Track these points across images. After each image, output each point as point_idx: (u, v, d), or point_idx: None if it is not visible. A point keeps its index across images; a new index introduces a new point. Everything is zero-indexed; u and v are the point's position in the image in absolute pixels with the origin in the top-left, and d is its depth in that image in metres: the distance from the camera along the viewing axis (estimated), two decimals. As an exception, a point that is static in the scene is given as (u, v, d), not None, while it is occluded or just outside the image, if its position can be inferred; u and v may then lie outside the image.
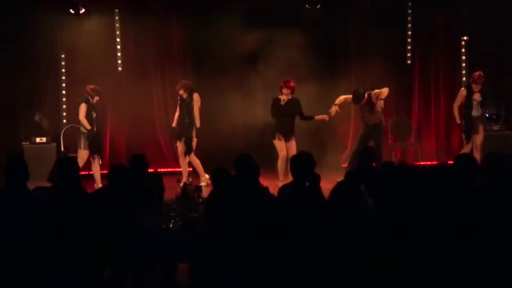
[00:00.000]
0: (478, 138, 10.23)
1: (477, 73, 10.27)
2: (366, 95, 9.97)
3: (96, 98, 9.96)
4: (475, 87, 10.20)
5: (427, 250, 3.72)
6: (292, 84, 9.90)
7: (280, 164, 9.81)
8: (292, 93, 9.89)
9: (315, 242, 4.11)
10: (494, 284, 3.70)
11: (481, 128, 10.29)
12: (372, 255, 3.83)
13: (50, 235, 4.76)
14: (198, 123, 10.07)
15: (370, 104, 9.97)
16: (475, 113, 10.27)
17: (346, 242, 4.02)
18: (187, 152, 10.05)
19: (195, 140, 10.10)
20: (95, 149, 9.99)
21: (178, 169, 10.52)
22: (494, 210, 3.98)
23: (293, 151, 9.70)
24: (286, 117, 9.85)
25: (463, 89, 10.41)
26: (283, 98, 9.84)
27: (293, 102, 9.89)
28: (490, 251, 3.76)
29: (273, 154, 9.94)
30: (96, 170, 9.98)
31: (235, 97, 11.37)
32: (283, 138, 9.86)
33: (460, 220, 3.89)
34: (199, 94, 10.24)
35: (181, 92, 10.12)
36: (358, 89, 10.09)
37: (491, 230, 3.84)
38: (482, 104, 10.30)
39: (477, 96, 10.20)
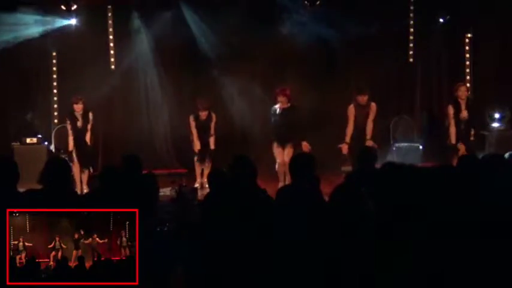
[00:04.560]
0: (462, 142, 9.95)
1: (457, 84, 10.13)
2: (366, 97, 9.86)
3: (76, 107, 9.99)
4: (461, 102, 9.93)
5: (428, 251, 3.74)
6: (288, 92, 9.78)
7: (279, 168, 9.81)
8: (288, 101, 9.78)
9: (314, 244, 4.12)
10: (496, 285, 3.73)
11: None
12: (374, 258, 3.85)
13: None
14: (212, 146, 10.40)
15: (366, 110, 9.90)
16: (460, 126, 9.98)
17: (347, 245, 4.03)
18: None
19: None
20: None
21: (173, 170, 10.56)
22: (496, 211, 4.01)
23: (288, 158, 9.67)
24: (282, 127, 9.73)
25: (450, 106, 10.08)
26: (279, 106, 9.77)
27: (290, 111, 9.78)
28: (492, 252, 3.79)
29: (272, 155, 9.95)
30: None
31: (233, 95, 11.40)
32: (279, 146, 9.84)
33: (462, 221, 3.91)
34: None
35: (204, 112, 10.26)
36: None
37: (493, 231, 3.86)
38: (470, 125, 9.95)
39: (464, 114, 9.92)
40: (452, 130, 9.96)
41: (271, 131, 9.90)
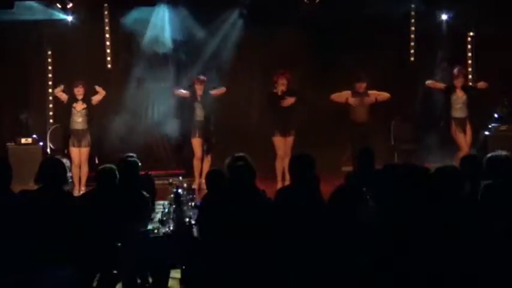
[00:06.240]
0: (464, 141, 10.18)
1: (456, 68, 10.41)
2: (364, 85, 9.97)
3: (77, 90, 10.08)
4: (457, 88, 10.21)
5: (430, 252, 3.76)
6: (288, 75, 9.89)
7: (278, 163, 9.82)
8: (288, 84, 9.88)
9: (314, 246, 4.14)
10: (496, 284, 3.75)
11: (468, 129, 10.25)
12: (374, 257, 3.87)
13: (36, 240, 4.77)
14: None
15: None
16: (460, 114, 10.25)
17: (347, 246, 4.04)
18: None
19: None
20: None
21: (171, 171, 10.55)
22: (497, 211, 4.03)
23: (288, 148, 9.72)
24: (284, 111, 9.80)
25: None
26: (281, 89, 9.82)
27: (290, 94, 9.86)
28: (493, 253, 3.81)
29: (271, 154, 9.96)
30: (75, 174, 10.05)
31: (232, 95, 11.37)
32: (281, 134, 9.85)
33: (463, 222, 3.93)
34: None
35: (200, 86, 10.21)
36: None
37: (494, 232, 3.88)
38: (469, 103, 10.24)
39: (460, 94, 10.20)
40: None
41: (272, 119, 9.93)
